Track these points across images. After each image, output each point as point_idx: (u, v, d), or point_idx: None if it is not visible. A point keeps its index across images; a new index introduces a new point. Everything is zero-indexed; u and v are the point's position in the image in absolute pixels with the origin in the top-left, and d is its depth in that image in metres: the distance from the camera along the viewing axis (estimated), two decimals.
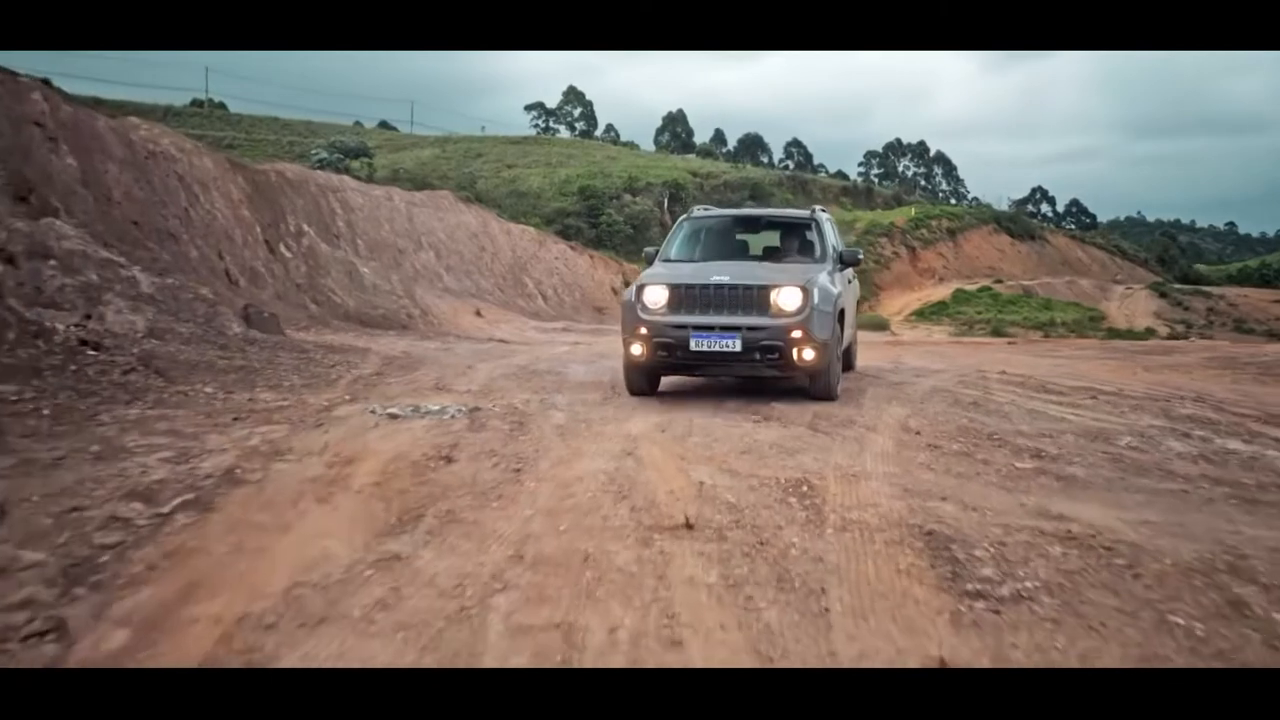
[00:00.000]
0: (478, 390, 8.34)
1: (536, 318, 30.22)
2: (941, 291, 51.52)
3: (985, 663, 2.70)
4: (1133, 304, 47.46)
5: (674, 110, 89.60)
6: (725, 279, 7.74)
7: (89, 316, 9.77)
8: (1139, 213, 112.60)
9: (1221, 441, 6.24)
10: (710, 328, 7.53)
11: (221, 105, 76.91)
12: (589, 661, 2.81)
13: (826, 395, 7.80)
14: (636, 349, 7.89)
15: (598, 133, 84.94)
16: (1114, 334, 35.93)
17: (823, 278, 7.97)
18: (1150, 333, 37.49)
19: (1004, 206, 70.48)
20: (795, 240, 9.14)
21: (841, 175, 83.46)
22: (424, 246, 29.96)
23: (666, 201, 60.88)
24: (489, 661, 2.81)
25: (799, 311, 7.47)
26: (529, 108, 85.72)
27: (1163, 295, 48.97)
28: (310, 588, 3.36)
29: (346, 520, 4.20)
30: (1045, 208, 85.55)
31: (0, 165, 12.72)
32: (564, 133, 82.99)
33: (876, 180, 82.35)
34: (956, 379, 9.35)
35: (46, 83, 21.20)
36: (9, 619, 3.21)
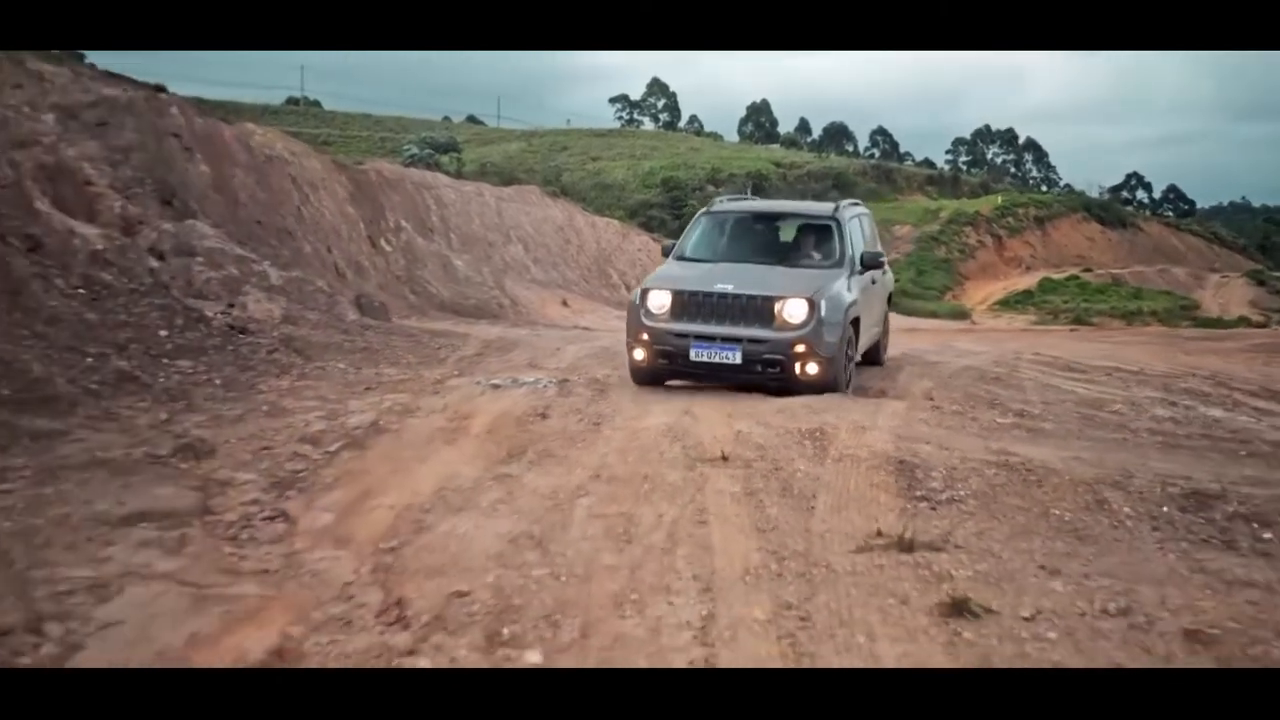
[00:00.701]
0: (565, 367, 9.81)
1: (620, 307, 31.67)
2: (1027, 280, 51.50)
3: (910, 533, 3.98)
4: (1228, 292, 46.88)
5: (758, 100, 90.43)
6: (729, 288, 7.69)
7: (232, 305, 11.50)
8: (1243, 198, 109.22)
9: (1202, 409, 7.34)
10: (711, 338, 7.53)
11: (316, 103, 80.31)
12: (640, 535, 4.17)
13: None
14: (639, 354, 7.90)
15: (681, 124, 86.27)
16: (1204, 323, 35.86)
17: (835, 286, 7.83)
18: (1243, 321, 37.22)
19: (1095, 194, 69.54)
20: (815, 240, 8.87)
21: (928, 164, 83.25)
22: (512, 240, 31.66)
23: (749, 192, 61.83)
24: (574, 532, 4.20)
25: (804, 325, 7.39)
26: (613, 100, 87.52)
27: (1260, 283, 48.21)
28: (450, 492, 4.82)
29: (469, 454, 5.66)
30: (1141, 194, 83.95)
31: (147, 174, 14.62)
32: (648, 125, 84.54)
33: (965, 168, 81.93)
34: (992, 360, 10.48)
35: (160, 88, 23.48)
36: (247, 510, 4.72)
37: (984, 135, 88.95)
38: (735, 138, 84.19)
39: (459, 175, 53.25)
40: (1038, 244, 58.14)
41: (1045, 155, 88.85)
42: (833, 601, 3.27)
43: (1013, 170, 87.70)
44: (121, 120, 15.06)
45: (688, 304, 7.73)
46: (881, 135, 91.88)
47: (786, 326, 7.43)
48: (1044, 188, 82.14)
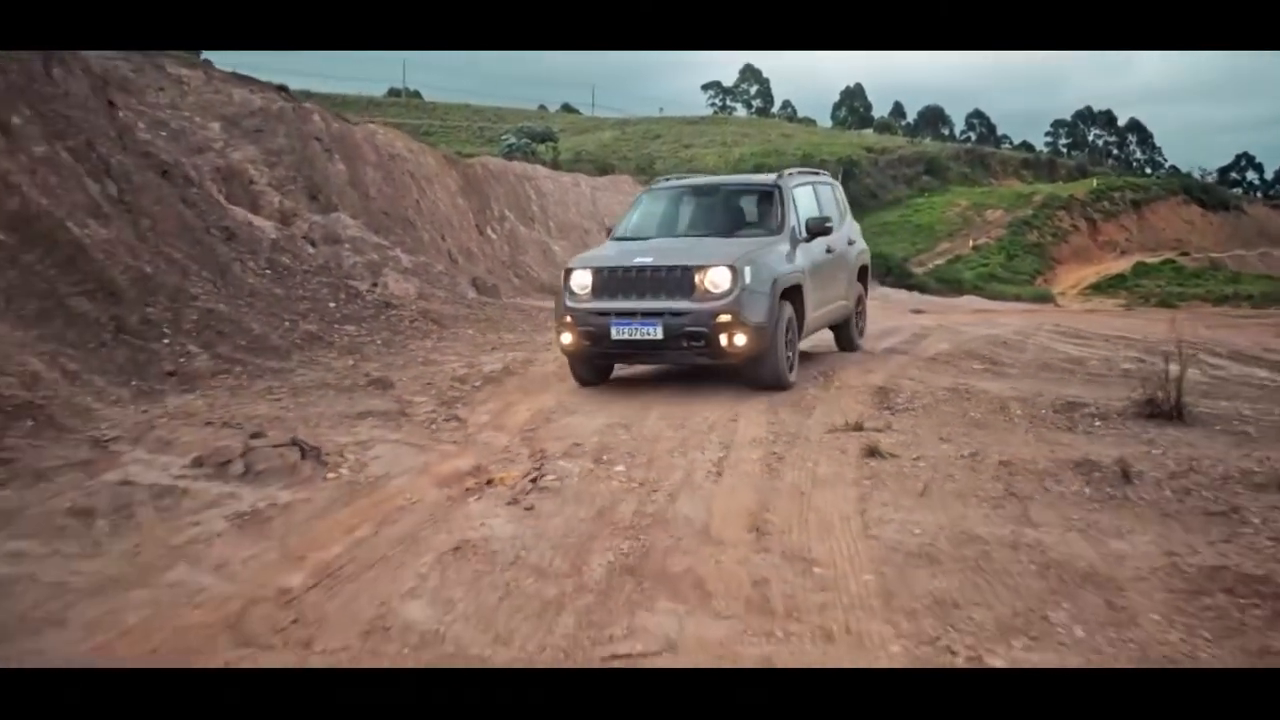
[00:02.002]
0: None
1: None
2: (1121, 265, 51.85)
3: (863, 421, 6.14)
4: None
5: (852, 85, 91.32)
6: (648, 260, 7.57)
7: (376, 284, 14.12)
8: None
9: (1157, 363, 9.27)
10: (632, 314, 7.36)
11: (416, 94, 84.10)
12: (691, 425, 6.42)
13: (776, 383, 7.48)
14: (566, 338, 7.76)
15: (774, 110, 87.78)
16: None
17: (765, 253, 7.67)
18: None
19: (1199, 175, 68.94)
20: (755, 210, 8.75)
21: (1026, 147, 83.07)
22: (605, 226, 34.16)
23: (840, 177, 63.03)
24: (648, 422, 6.47)
25: (727, 294, 7.21)
26: (706, 87, 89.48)
27: None
28: (565, 405, 7.17)
29: (575, 388, 8.01)
30: (1251, 175, 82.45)
31: (297, 173, 17.38)
32: (740, 111, 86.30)
33: (1065, 151, 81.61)
34: (1014, 330, 12.44)
35: (283, 88, 26.49)
36: (430, 414, 7.12)
37: (1085, 117, 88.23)
38: (829, 123, 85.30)
39: (555, 164, 55.98)
40: (1134, 228, 58.26)
41: (1150, 137, 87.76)
42: (801, 451, 5.49)
43: (1114, 153, 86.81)
44: (274, 127, 17.87)
45: (607, 281, 7.61)
46: (978, 118, 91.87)
47: (708, 297, 7.25)
48: (1148, 170, 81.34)
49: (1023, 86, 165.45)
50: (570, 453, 5.56)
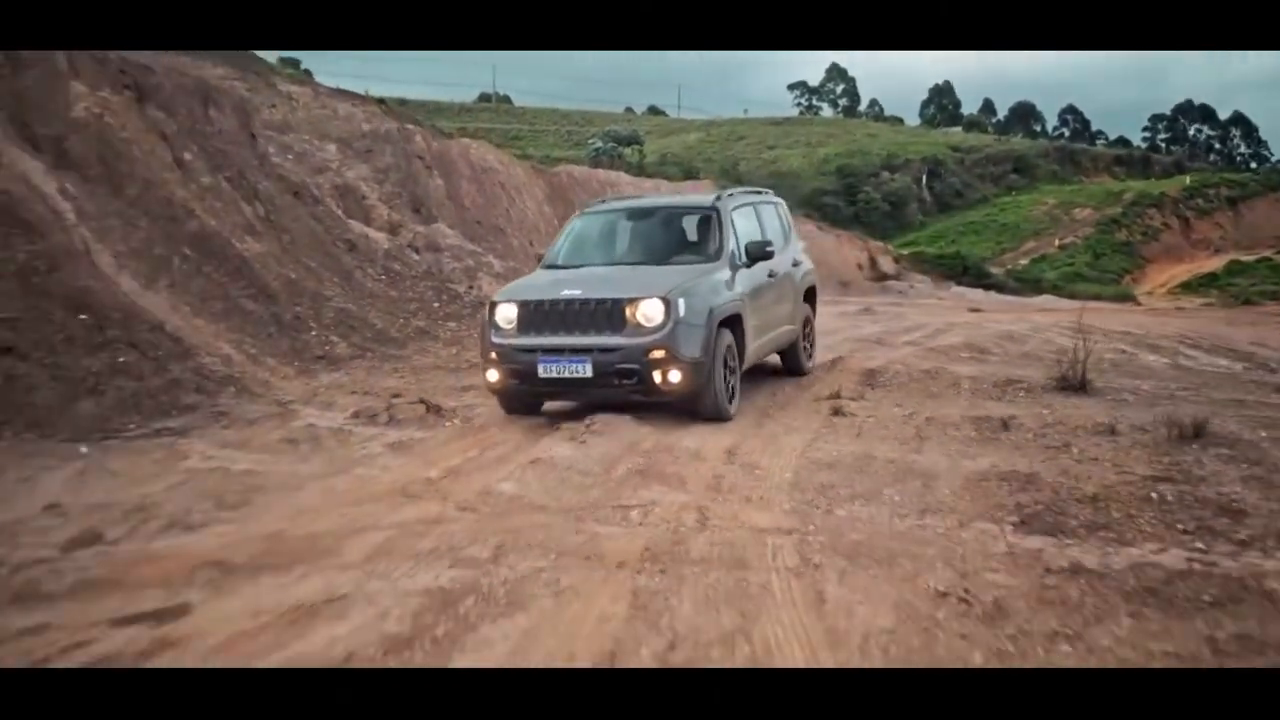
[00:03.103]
0: None
1: None
2: (1214, 263, 52.00)
3: (841, 392, 8.18)
4: None
5: (941, 82, 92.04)
6: (576, 293, 7.39)
7: (472, 286, 16.53)
8: None
9: (1138, 354, 11.08)
10: (560, 350, 7.19)
11: (506, 99, 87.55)
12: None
13: (715, 416, 7.32)
14: (492, 375, 7.58)
15: (861, 108, 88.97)
16: None
17: (701, 282, 7.53)
18: None
19: None
20: (692, 234, 8.63)
21: (1122, 142, 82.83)
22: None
23: (925, 177, 64.19)
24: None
25: (660, 328, 7.05)
26: (792, 87, 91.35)
27: None
28: None
29: None
30: None
31: (402, 188, 19.96)
32: (826, 111, 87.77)
33: (1164, 146, 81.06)
34: (1033, 328, 14.24)
35: (382, 101, 29.30)
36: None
37: (1185, 111, 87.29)
38: (916, 121, 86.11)
39: (641, 167, 58.25)
40: (1229, 225, 58.17)
41: (1254, 130, 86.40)
42: (787, 412, 7.60)
43: (1216, 147, 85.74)
44: (382, 147, 20.49)
45: (534, 315, 7.43)
46: (1071, 114, 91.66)
47: (640, 331, 7.09)
48: (1252, 165, 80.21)
49: (1120, 80, 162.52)
50: None
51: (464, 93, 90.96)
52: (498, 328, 7.59)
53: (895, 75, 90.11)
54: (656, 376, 7.03)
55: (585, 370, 7.11)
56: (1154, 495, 4.84)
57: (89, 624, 3.55)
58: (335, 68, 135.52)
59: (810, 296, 10.10)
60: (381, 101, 35.07)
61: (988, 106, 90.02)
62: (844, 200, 59.51)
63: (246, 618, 3.60)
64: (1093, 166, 69.39)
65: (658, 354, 7.02)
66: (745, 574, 3.88)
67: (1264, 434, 6.15)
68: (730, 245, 8.11)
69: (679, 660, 3.13)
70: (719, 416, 7.34)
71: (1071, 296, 38.15)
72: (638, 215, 9.03)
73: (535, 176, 28.24)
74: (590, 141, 63.60)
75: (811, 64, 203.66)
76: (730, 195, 8.94)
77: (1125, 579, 3.74)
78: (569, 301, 7.34)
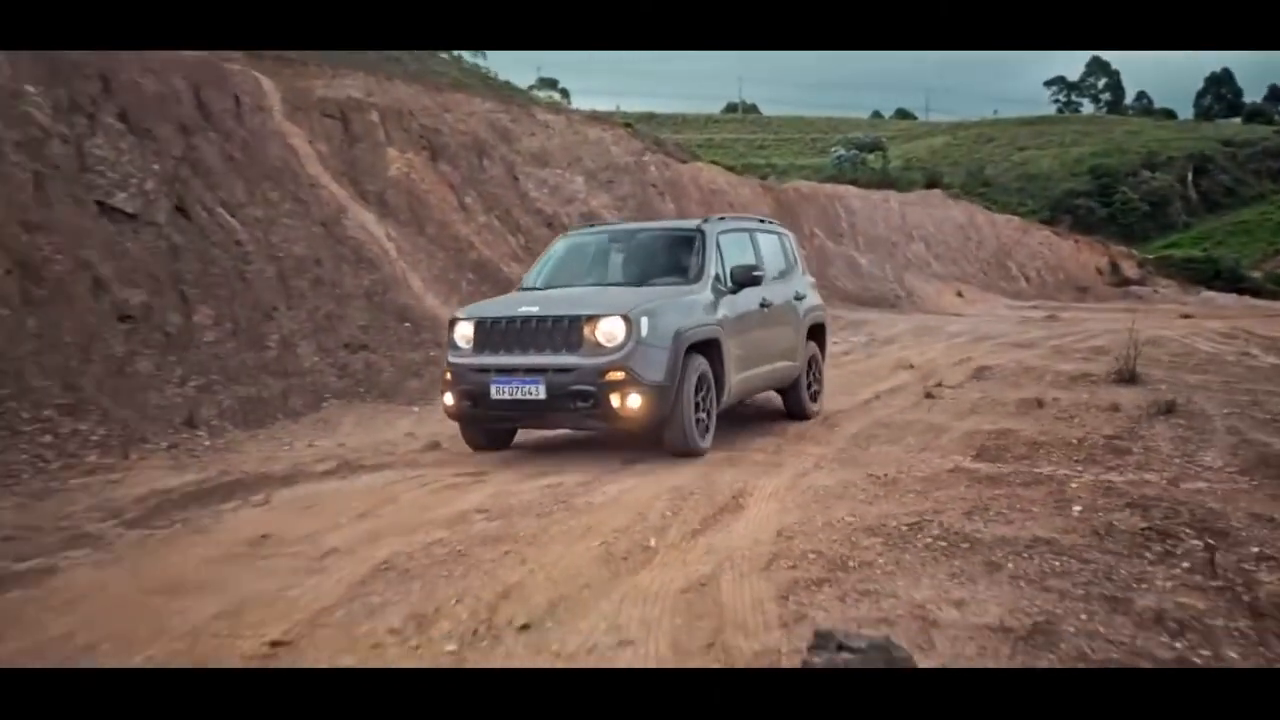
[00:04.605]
0: (883, 337, 17.08)
1: (1017, 298, 37.26)
2: None
3: (960, 385, 10.96)
4: None
5: (1218, 70, 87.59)
6: (534, 310, 7.27)
7: None
8: None
9: (1245, 354, 13.09)
10: (513, 370, 7.04)
11: (753, 108, 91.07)
12: (847, 363, 11.54)
13: (683, 450, 7.21)
14: (447, 399, 7.47)
15: (1127, 101, 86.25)
16: None
17: (670, 304, 7.36)
18: None
19: None
20: (673, 258, 8.29)
21: None
22: (914, 239, 38.42)
23: (1191, 175, 62.29)
24: (860, 365, 11.67)
25: (619, 348, 6.87)
26: (1049, 83, 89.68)
27: None
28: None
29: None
30: None
31: (638, 212, 23.74)
32: (1087, 107, 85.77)
33: None
34: (1194, 332, 16.10)
35: (629, 125, 33.10)
36: None
37: None
38: (1190, 113, 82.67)
39: (885, 173, 60.12)
40: None
41: None
42: (896, 396, 10.53)
43: None
44: (621, 178, 24.38)
45: (490, 333, 7.32)
46: None
47: (599, 351, 6.92)
48: None
49: None
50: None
51: (711, 104, 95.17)
52: (455, 346, 7.53)
53: (1165, 66, 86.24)
54: (614, 400, 6.86)
55: (539, 392, 6.94)
56: (1084, 442, 7.50)
57: (447, 471, 7.08)
58: (588, 84, 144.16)
59: (818, 334, 9.84)
60: (628, 125, 39.41)
61: (1273, 94, 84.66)
62: (1098, 201, 58.85)
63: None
64: None
65: (616, 376, 6.84)
66: (784, 467, 6.95)
67: (1225, 411, 8.52)
68: (713, 269, 7.99)
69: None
70: (686, 451, 7.22)
71: None
72: (618, 239, 9.00)
73: (763, 193, 31.49)
74: (832, 150, 65.48)
75: (1070, 59, 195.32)
76: (721, 219, 8.89)
77: (1005, 476, 6.53)
78: (525, 319, 7.22)
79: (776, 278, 9.12)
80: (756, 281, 8.31)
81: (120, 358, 8.47)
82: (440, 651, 3.47)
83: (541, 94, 73.80)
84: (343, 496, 6.21)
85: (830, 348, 15.73)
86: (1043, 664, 3.29)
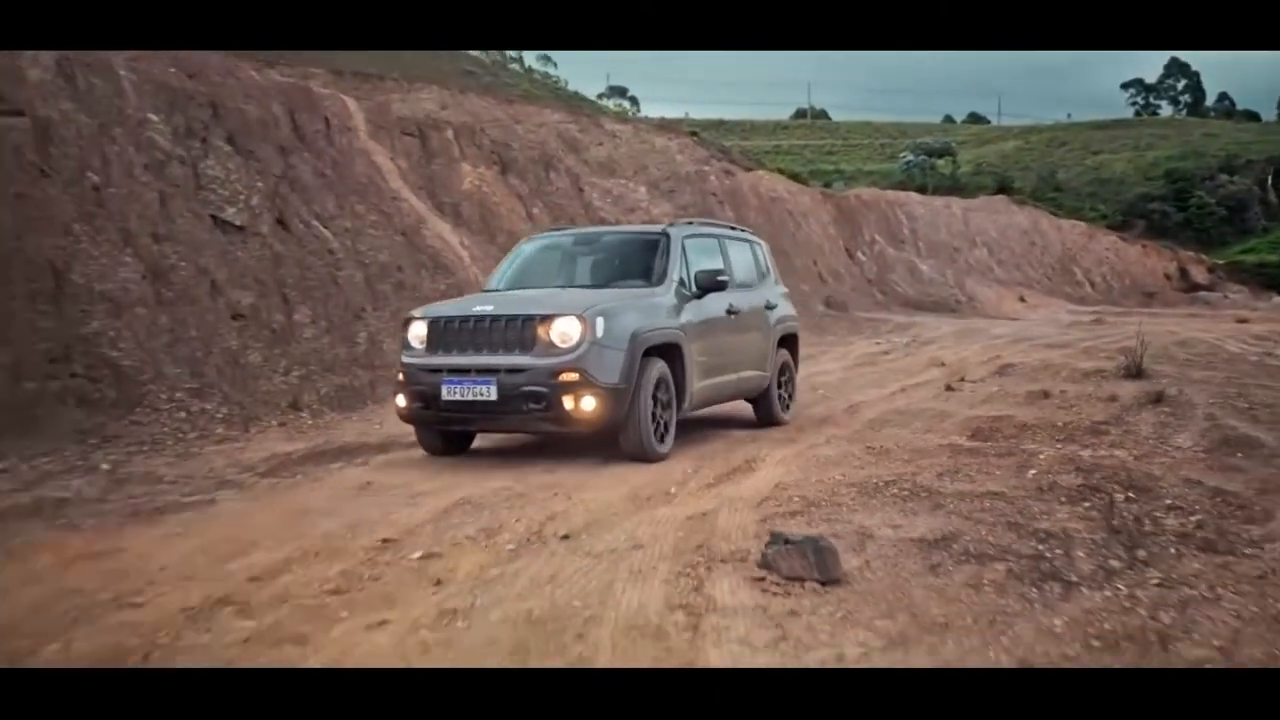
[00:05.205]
0: (926, 339, 18.15)
1: (1082, 303, 37.81)
2: None
3: (981, 379, 12.09)
4: None
5: None
6: (488, 309, 7.32)
7: None
8: None
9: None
10: (465, 371, 7.06)
11: (823, 114, 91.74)
12: (879, 360, 12.71)
13: (640, 455, 7.22)
14: (400, 400, 7.47)
15: (1208, 103, 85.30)
16: None
17: (628, 305, 7.42)
18: None
19: None
20: (637, 262, 8.33)
21: None
22: (977, 245, 39.16)
23: (1271, 179, 61.71)
24: (874, 372, 12.86)
25: (573, 349, 6.90)
26: (1125, 85, 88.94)
27: None
28: (854, 368, 13.75)
29: (853, 363, 14.53)
30: None
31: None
32: (1165, 110, 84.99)
33: None
34: (1229, 336, 16.93)
35: (694, 133, 34.41)
36: None
37: None
38: (1275, 115, 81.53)
39: (954, 178, 60.53)
40: None
41: None
42: (920, 389, 11.70)
43: None
44: (682, 188, 25.72)
45: (443, 333, 7.36)
46: None
47: (552, 351, 6.95)
48: None
49: None
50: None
51: (781, 110, 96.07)
52: (408, 346, 7.57)
53: (1247, 66, 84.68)
54: (568, 403, 6.88)
55: (490, 393, 6.95)
56: (1069, 426, 8.61)
57: (515, 441, 8.50)
58: (657, 92, 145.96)
59: (789, 343, 10.06)
60: (694, 133, 40.73)
61: None
62: (1173, 206, 58.53)
63: None
64: None
65: (569, 377, 6.86)
66: (798, 443, 8.17)
67: (1210, 401, 9.55)
68: (676, 273, 8.06)
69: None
70: (643, 456, 7.22)
71: None
72: (583, 242, 9.19)
73: (823, 202, 32.60)
74: (901, 155, 65.84)
75: (1147, 61, 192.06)
76: (689, 224, 9.10)
77: (985, 450, 7.68)
78: (479, 318, 7.26)
79: (746, 285, 9.26)
80: (721, 287, 8.38)
81: (235, 350, 9.99)
82: (502, 550, 4.80)
83: (610, 102, 75.54)
84: (427, 460, 7.63)
85: (871, 348, 16.98)
86: (935, 558, 4.52)
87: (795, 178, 35.95)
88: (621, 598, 4.00)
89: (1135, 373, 11.40)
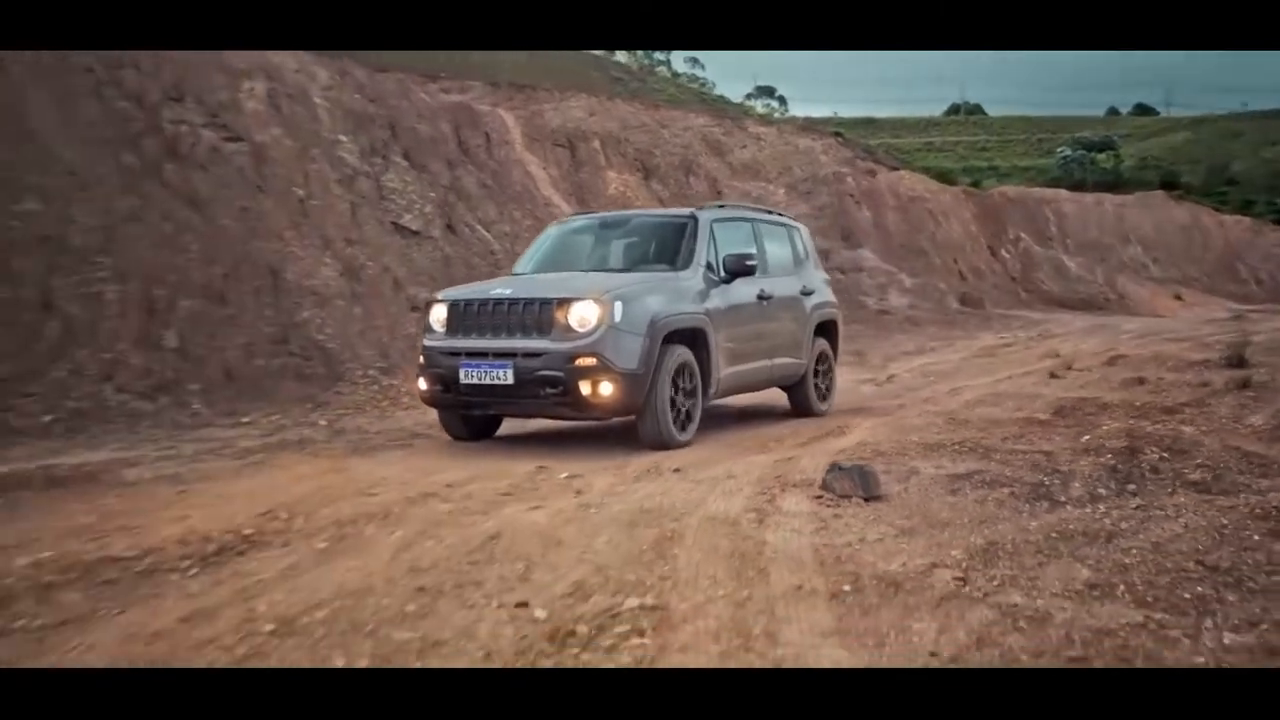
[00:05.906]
0: (1053, 333, 18.98)
1: (1245, 301, 37.26)
2: None
3: (1088, 368, 13.09)
4: None
5: None
6: (506, 292, 7.40)
7: (881, 299, 22.42)
8: None
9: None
10: (483, 354, 7.16)
11: (977, 109, 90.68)
12: (940, 352, 13.81)
13: (659, 443, 7.33)
14: (421, 383, 7.63)
15: None
16: None
17: (649, 289, 7.47)
18: None
19: None
20: (664, 245, 8.38)
21: None
22: (1131, 242, 38.96)
23: None
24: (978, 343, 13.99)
25: (591, 333, 6.95)
26: None
27: None
28: (968, 358, 14.92)
29: (971, 355, 15.65)
30: None
31: (834, 221, 26.24)
32: None
33: None
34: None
35: (838, 134, 35.41)
36: (877, 364, 15.33)
37: None
38: None
39: (1117, 172, 59.51)
40: None
41: None
42: (1027, 375, 12.83)
43: None
44: (819, 189, 26.95)
45: (462, 316, 7.45)
46: None
47: (570, 335, 7.00)
48: None
49: None
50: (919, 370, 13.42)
51: (933, 107, 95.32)
52: (430, 329, 7.68)
53: None
54: (585, 388, 6.95)
55: (507, 377, 7.03)
56: (1149, 405, 9.65)
57: None
58: (805, 92, 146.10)
59: (828, 331, 10.04)
60: (838, 134, 41.74)
61: None
62: None
63: None
64: None
65: (586, 362, 6.92)
66: (892, 416, 9.45)
67: None
68: (703, 256, 8.10)
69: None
70: (662, 444, 7.31)
71: None
72: (610, 225, 9.22)
73: (965, 200, 33.25)
74: (1059, 150, 64.90)
75: None
76: (720, 207, 9.19)
77: (1056, 423, 8.83)
78: (498, 302, 7.34)
79: (780, 271, 9.28)
80: (750, 271, 8.35)
81: (413, 336, 11.89)
82: (628, 476, 6.45)
83: (757, 103, 76.82)
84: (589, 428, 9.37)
85: (994, 341, 17.95)
86: (958, 485, 5.89)
87: (942, 176, 36.61)
88: (711, 504, 5.55)
89: (1237, 363, 12.22)
